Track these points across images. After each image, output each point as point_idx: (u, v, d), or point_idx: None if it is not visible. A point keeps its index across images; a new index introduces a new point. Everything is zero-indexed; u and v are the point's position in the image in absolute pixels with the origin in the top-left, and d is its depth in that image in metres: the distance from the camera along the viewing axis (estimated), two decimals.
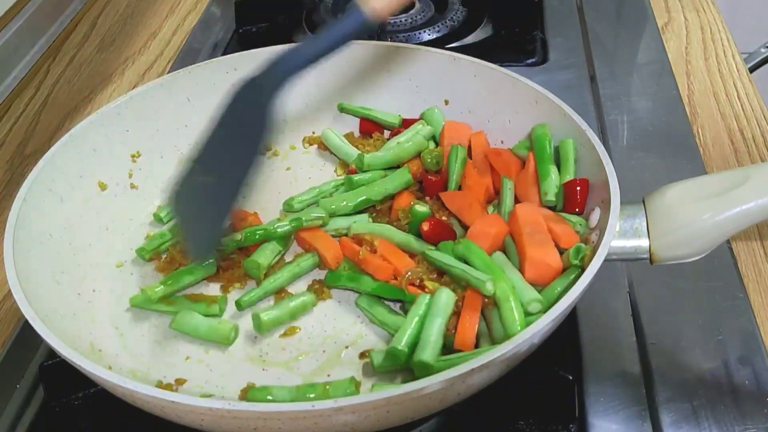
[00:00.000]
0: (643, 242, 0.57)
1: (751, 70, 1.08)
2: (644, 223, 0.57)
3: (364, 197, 0.69)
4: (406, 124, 0.78)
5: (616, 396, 0.58)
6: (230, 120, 0.62)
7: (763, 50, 1.13)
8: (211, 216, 0.60)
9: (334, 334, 0.61)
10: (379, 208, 0.70)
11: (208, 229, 0.60)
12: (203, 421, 0.47)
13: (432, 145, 0.75)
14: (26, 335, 0.66)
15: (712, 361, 0.60)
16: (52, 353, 0.63)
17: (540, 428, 0.56)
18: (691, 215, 0.56)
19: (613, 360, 0.60)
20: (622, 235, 0.57)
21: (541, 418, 0.56)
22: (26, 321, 0.66)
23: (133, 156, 0.72)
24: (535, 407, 0.56)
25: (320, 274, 0.66)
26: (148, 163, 0.73)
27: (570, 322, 0.62)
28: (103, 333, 0.61)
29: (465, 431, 0.57)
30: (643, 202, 0.58)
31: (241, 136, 0.61)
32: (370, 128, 0.79)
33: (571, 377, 0.55)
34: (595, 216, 0.60)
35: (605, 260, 0.54)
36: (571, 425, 0.56)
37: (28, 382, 0.62)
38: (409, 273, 0.61)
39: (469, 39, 1.00)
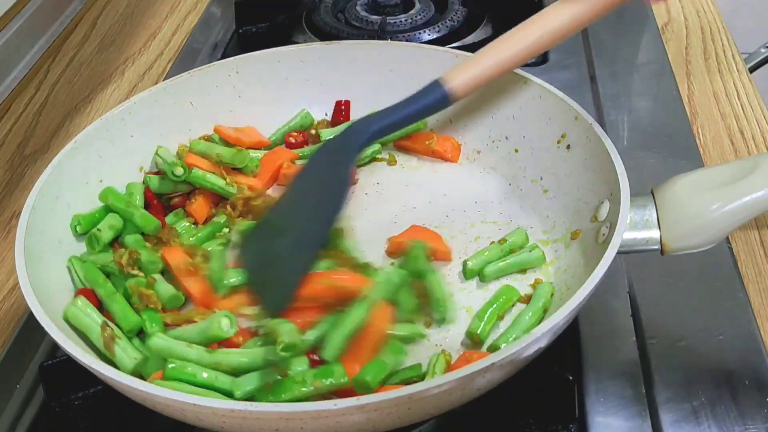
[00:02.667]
0: (654, 233, 0.57)
1: (751, 70, 1.08)
2: (654, 215, 0.57)
3: None
4: None
5: (616, 396, 0.58)
6: (310, 181, 0.62)
7: (763, 50, 1.13)
8: (287, 273, 0.58)
9: None
10: None
11: (283, 286, 0.57)
12: (224, 423, 0.47)
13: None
14: (26, 335, 0.66)
15: (712, 361, 0.60)
16: (52, 353, 0.63)
17: (540, 428, 0.56)
18: (701, 205, 0.56)
19: (613, 360, 0.60)
20: (633, 226, 0.57)
21: (541, 418, 0.56)
22: (26, 321, 0.67)
23: (138, 162, 0.72)
24: (535, 407, 0.56)
25: None
26: (153, 168, 0.73)
27: (570, 321, 0.62)
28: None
29: (465, 431, 0.57)
30: (652, 193, 0.59)
31: (319, 196, 0.61)
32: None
33: (571, 377, 0.55)
34: (605, 209, 0.61)
35: (617, 253, 0.54)
36: (571, 425, 0.56)
37: (28, 382, 0.62)
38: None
39: (469, 39, 1.00)
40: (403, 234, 0.67)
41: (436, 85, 0.62)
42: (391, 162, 0.77)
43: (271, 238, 0.61)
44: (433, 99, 0.62)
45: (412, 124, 0.64)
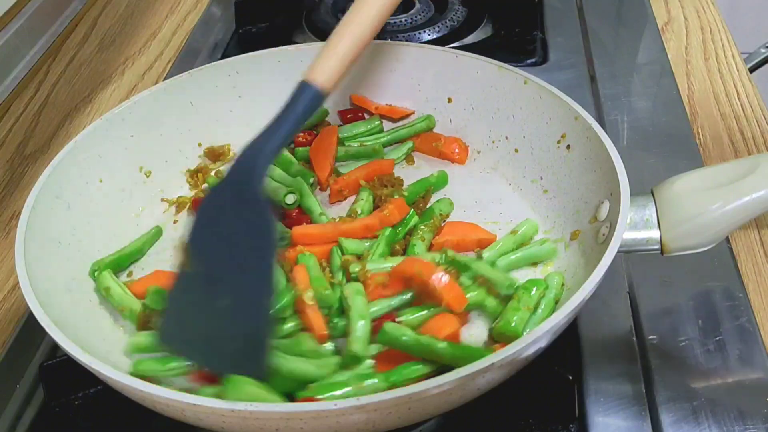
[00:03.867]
0: (654, 233, 0.57)
1: (751, 70, 1.08)
2: (654, 215, 0.57)
3: None
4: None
5: (616, 396, 0.58)
6: (221, 226, 0.57)
7: (763, 50, 1.13)
8: (249, 333, 0.54)
9: None
10: None
11: (252, 348, 0.54)
12: (224, 423, 0.47)
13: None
14: (26, 335, 0.66)
15: (712, 361, 0.60)
16: (52, 353, 0.63)
17: (540, 428, 0.56)
18: (702, 205, 0.56)
19: (613, 360, 0.60)
20: (633, 226, 0.57)
21: (541, 417, 0.56)
22: (26, 321, 0.67)
23: (138, 162, 0.72)
24: (535, 407, 0.56)
25: None
26: (153, 168, 0.73)
27: (570, 321, 0.62)
28: (114, 338, 0.61)
29: (465, 431, 0.57)
30: (652, 193, 0.59)
31: (241, 239, 0.56)
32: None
33: (571, 377, 0.55)
34: (605, 209, 0.61)
35: (617, 252, 0.54)
36: (571, 425, 0.56)
37: (28, 382, 0.62)
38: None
39: (469, 39, 1.00)
40: (443, 233, 0.67)
41: (305, 86, 0.59)
42: (410, 162, 0.78)
43: (204, 303, 0.56)
44: (308, 101, 0.59)
45: (297, 133, 0.61)
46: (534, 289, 0.59)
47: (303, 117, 0.59)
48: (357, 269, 0.62)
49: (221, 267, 0.56)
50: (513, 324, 0.57)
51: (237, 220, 0.56)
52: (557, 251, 0.65)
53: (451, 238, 0.66)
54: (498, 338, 0.58)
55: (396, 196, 0.69)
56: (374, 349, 0.56)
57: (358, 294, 0.58)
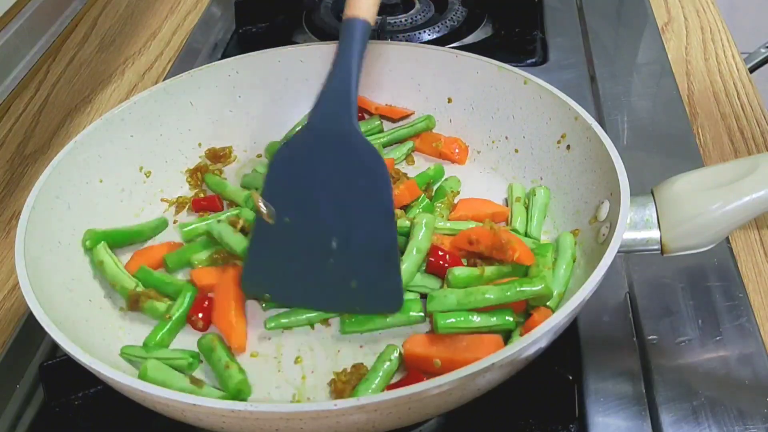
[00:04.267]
0: (654, 233, 0.57)
1: (751, 70, 1.08)
2: (654, 215, 0.57)
3: None
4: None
5: (616, 396, 0.58)
6: (312, 173, 0.57)
7: (763, 50, 1.13)
8: (384, 263, 0.57)
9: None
10: None
11: (381, 283, 0.58)
12: (224, 423, 0.47)
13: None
14: (26, 335, 0.66)
15: (712, 362, 0.60)
16: (52, 353, 0.63)
17: (540, 428, 0.56)
18: (702, 205, 0.56)
19: (613, 360, 0.60)
20: (633, 226, 0.57)
21: (541, 417, 0.56)
22: (26, 321, 0.67)
23: (138, 162, 0.72)
24: (535, 407, 0.56)
25: None
26: (153, 168, 0.73)
27: (570, 321, 0.62)
28: (114, 338, 0.61)
29: (465, 431, 0.57)
30: (652, 193, 0.59)
31: (344, 179, 0.57)
32: None
33: (571, 377, 0.55)
34: (605, 209, 0.61)
35: (617, 253, 0.54)
36: (571, 425, 0.56)
37: (28, 382, 0.62)
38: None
39: (469, 39, 1.00)
40: (458, 209, 0.69)
41: (354, 22, 0.59)
42: (410, 162, 0.78)
43: (317, 252, 0.58)
44: (362, 34, 0.59)
45: (360, 64, 0.60)
46: (548, 252, 0.62)
47: (363, 52, 0.59)
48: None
49: (325, 211, 0.57)
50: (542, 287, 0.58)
51: (333, 163, 0.57)
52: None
53: (466, 212, 0.69)
54: (534, 302, 0.59)
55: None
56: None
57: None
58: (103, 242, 0.64)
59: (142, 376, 0.56)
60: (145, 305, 0.61)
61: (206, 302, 0.62)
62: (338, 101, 0.57)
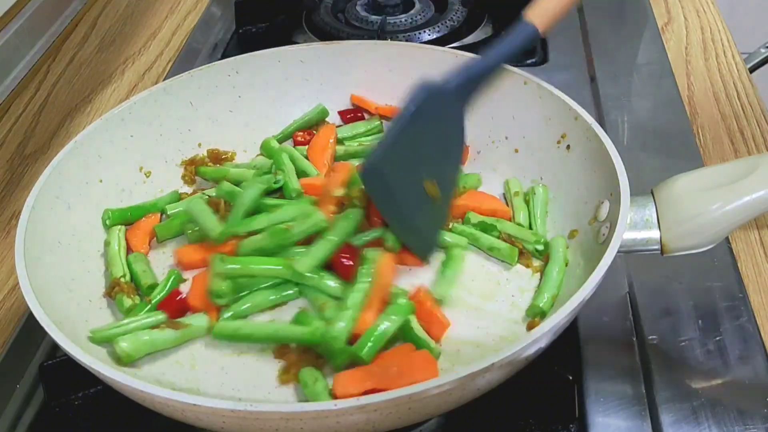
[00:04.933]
0: (654, 233, 0.57)
1: (751, 70, 1.08)
2: (654, 215, 0.57)
3: None
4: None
5: (616, 396, 0.58)
6: (426, 126, 0.61)
7: (763, 50, 1.13)
8: (430, 219, 0.64)
9: None
10: None
11: (429, 232, 0.65)
12: (224, 423, 0.47)
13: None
14: (26, 335, 0.66)
15: (712, 361, 0.60)
16: (52, 353, 0.63)
17: (540, 428, 0.56)
18: (702, 205, 0.56)
19: (613, 360, 0.61)
20: (633, 226, 0.57)
21: (541, 418, 0.56)
22: (26, 321, 0.67)
23: (137, 162, 0.72)
24: (535, 407, 0.56)
25: None
26: (153, 168, 0.73)
27: (570, 321, 0.62)
28: None
29: (465, 431, 0.57)
30: (652, 193, 0.59)
31: (437, 143, 0.62)
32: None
33: (571, 377, 0.55)
34: (605, 209, 0.61)
35: (617, 253, 0.54)
36: (571, 425, 0.56)
37: (28, 382, 0.62)
38: None
39: (469, 39, 1.00)
40: (462, 198, 0.70)
41: (525, 24, 0.62)
42: None
43: (404, 183, 0.61)
44: (525, 37, 0.62)
45: (507, 62, 0.63)
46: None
47: (517, 50, 0.62)
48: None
49: (431, 156, 0.62)
50: (542, 304, 0.60)
51: (442, 125, 0.62)
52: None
53: (468, 202, 0.70)
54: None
55: None
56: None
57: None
58: (120, 226, 0.67)
59: (123, 357, 0.56)
60: (116, 296, 0.62)
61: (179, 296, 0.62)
62: (464, 74, 0.61)
